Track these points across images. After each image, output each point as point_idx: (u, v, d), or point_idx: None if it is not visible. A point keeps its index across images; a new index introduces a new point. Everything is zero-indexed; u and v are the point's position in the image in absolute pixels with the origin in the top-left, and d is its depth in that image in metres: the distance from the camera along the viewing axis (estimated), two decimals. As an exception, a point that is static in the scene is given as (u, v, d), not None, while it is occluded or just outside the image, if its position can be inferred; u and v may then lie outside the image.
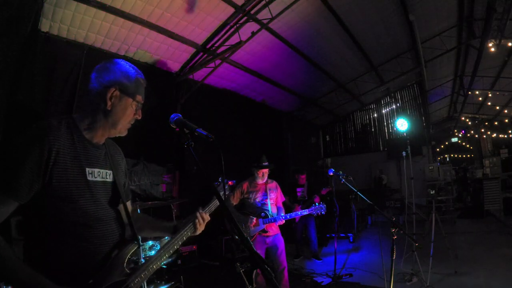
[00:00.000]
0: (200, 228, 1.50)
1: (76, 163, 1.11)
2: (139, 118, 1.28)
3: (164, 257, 1.34)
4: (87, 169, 1.15)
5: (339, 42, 7.43)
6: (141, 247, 1.28)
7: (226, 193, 1.82)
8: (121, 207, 1.30)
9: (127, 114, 1.22)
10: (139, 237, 1.29)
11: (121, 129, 1.25)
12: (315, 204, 3.65)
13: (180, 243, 1.42)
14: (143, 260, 1.28)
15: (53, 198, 1.05)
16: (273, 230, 3.44)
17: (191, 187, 6.47)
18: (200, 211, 1.53)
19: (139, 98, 1.25)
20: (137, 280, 1.17)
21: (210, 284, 4.62)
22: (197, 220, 1.48)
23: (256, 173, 3.49)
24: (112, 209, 1.23)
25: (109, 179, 1.25)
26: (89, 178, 1.15)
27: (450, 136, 16.81)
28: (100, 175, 1.21)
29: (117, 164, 1.33)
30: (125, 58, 5.44)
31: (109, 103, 1.17)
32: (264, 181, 3.55)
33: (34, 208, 1.05)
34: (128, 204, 1.39)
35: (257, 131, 8.81)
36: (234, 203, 3.55)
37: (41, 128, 1.06)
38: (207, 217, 1.53)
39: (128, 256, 1.20)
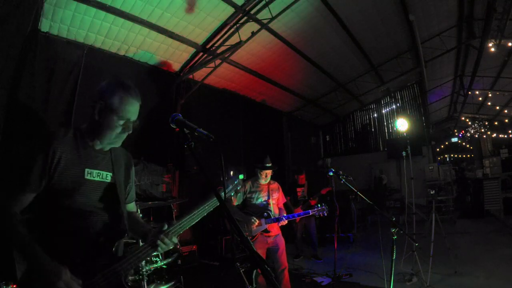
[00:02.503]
0: (162, 249, 1.44)
1: (76, 164, 1.33)
2: (130, 132, 1.43)
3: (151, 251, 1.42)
4: (86, 170, 1.35)
5: (339, 42, 7.43)
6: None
7: (229, 193, 1.80)
8: (119, 204, 1.45)
9: (111, 128, 1.36)
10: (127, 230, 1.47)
11: (111, 140, 1.40)
12: (318, 206, 3.69)
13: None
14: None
15: (54, 190, 1.27)
16: (275, 230, 3.45)
17: (191, 187, 6.48)
18: (162, 234, 1.41)
19: (125, 115, 1.37)
20: (124, 265, 1.33)
21: (210, 284, 4.62)
22: (159, 244, 1.41)
23: (259, 174, 3.53)
24: (107, 204, 1.40)
25: (108, 180, 1.43)
26: (87, 177, 1.35)
27: (450, 136, 16.81)
28: (100, 175, 1.40)
29: (120, 168, 1.50)
30: (125, 58, 5.45)
31: (97, 116, 1.36)
32: (267, 181, 3.57)
33: (44, 200, 1.27)
34: (133, 204, 1.65)
35: (257, 131, 8.81)
36: (236, 203, 3.56)
37: (48, 136, 1.32)
38: (170, 241, 1.42)
39: (116, 244, 1.37)
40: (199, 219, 1.54)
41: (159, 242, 1.40)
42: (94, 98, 1.38)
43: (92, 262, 1.28)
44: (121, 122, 1.38)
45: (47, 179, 1.26)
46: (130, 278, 2.95)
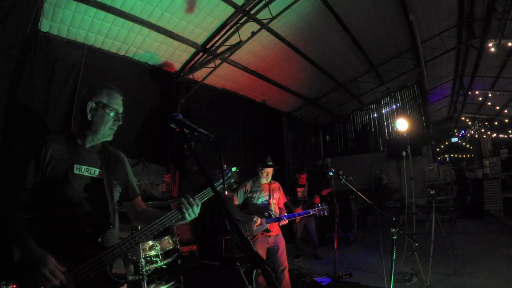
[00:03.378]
0: (189, 214, 1.51)
1: (67, 160, 1.49)
2: (120, 123, 1.62)
3: (141, 239, 1.50)
4: (75, 165, 1.51)
5: (339, 42, 7.43)
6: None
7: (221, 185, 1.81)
8: (106, 198, 1.55)
9: (105, 121, 1.55)
10: (115, 222, 1.60)
11: (104, 134, 1.58)
12: (318, 205, 3.72)
13: (163, 226, 1.52)
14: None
15: (47, 183, 1.43)
16: (275, 230, 3.46)
17: (191, 187, 6.48)
18: (188, 196, 1.55)
19: (114, 106, 1.58)
20: (109, 255, 1.41)
21: (210, 284, 4.63)
22: (182, 206, 1.51)
23: (260, 173, 3.54)
24: (95, 198, 1.52)
25: (96, 175, 1.57)
26: (76, 171, 1.50)
27: (450, 136, 16.81)
28: (88, 171, 1.55)
29: (110, 167, 1.63)
30: (125, 58, 5.44)
31: (89, 115, 1.53)
32: (268, 181, 3.59)
33: (39, 194, 1.44)
34: (139, 200, 1.83)
35: (257, 131, 8.81)
36: (237, 202, 3.57)
37: (42, 139, 1.48)
38: (195, 203, 1.53)
39: (102, 235, 1.46)
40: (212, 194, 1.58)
41: (184, 200, 1.52)
42: (83, 102, 1.55)
43: (79, 252, 1.39)
44: (112, 114, 1.57)
45: (40, 174, 1.43)
46: (130, 278, 2.94)
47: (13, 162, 1.45)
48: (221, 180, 1.64)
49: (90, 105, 1.53)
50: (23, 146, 3.60)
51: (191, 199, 1.52)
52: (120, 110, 1.62)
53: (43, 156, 1.44)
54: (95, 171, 1.57)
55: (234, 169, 1.80)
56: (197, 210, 1.53)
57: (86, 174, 1.54)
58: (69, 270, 1.33)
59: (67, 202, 1.45)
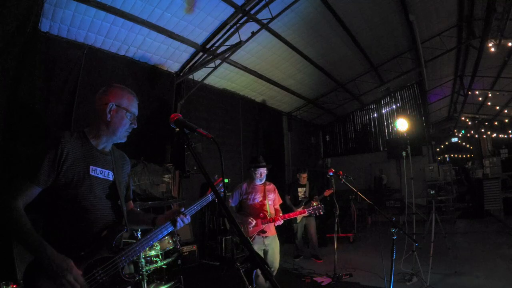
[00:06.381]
0: (179, 227, 1.68)
1: (82, 161, 1.46)
2: (135, 126, 1.63)
3: (153, 241, 1.61)
4: (91, 167, 1.48)
5: (339, 42, 7.43)
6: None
7: (224, 192, 1.91)
8: (119, 201, 1.58)
9: (123, 123, 1.56)
10: (127, 224, 1.60)
11: (121, 136, 1.59)
12: (314, 205, 3.73)
13: (165, 233, 1.66)
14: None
15: (61, 185, 1.39)
16: (271, 231, 3.45)
17: (191, 187, 6.48)
18: (181, 214, 1.68)
19: (133, 110, 1.61)
20: (123, 257, 1.44)
21: (210, 284, 4.63)
22: (177, 221, 1.66)
23: (254, 174, 3.51)
24: (108, 200, 1.53)
25: (110, 178, 1.57)
26: (92, 173, 1.48)
27: (450, 136, 16.81)
28: (103, 173, 1.53)
29: (119, 168, 1.64)
30: (125, 58, 5.44)
31: (108, 115, 1.52)
32: (263, 182, 3.56)
33: (50, 195, 1.38)
34: (130, 203, 1.78)
35: (257, 131, 8.81)
36: (233, 204, 3.56)
37: (56, 137, 1.43)
38: (187, 220, 1.69)
39: (117, 237, 1.47)
40: (203, 206, 1.82)
41: (179, 219, 1.64)
42: (101, 102, 1.54)
43: (95, 255, 1.38)
44: (130, 116, 1.59)
45: (54, 175, 1.37)
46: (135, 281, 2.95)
47: (19, 159, 1.39)
48: (222, 183, 1.77)
49: (111, 106, 1.53)
50: (24, 146, 3.60)
51: (183, 217, 1.67)
52: (136, 114, 1.64)
53: (59, 154, 1.39)
54: (109, 174, 1.57)
55: (226, 180, 1.91)
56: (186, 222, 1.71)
57: (101, 176, 1.53)
58: (85, 273, 1.32)
59: (83, 204, 1.42)
